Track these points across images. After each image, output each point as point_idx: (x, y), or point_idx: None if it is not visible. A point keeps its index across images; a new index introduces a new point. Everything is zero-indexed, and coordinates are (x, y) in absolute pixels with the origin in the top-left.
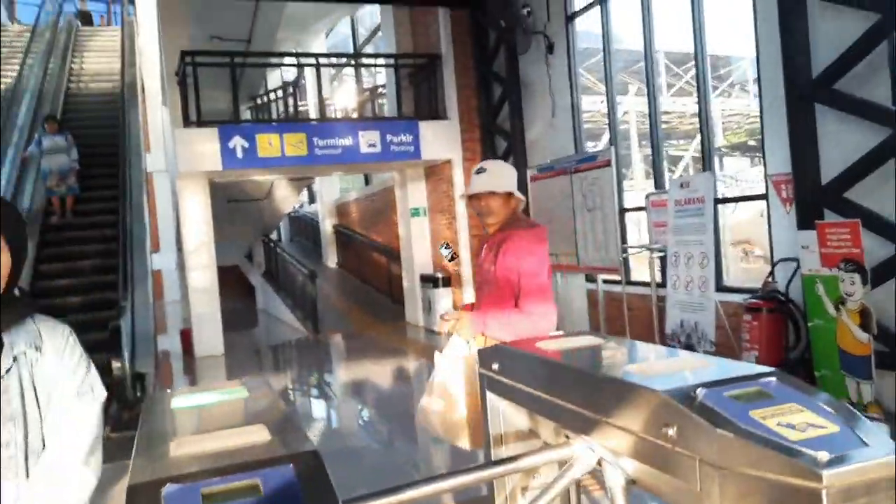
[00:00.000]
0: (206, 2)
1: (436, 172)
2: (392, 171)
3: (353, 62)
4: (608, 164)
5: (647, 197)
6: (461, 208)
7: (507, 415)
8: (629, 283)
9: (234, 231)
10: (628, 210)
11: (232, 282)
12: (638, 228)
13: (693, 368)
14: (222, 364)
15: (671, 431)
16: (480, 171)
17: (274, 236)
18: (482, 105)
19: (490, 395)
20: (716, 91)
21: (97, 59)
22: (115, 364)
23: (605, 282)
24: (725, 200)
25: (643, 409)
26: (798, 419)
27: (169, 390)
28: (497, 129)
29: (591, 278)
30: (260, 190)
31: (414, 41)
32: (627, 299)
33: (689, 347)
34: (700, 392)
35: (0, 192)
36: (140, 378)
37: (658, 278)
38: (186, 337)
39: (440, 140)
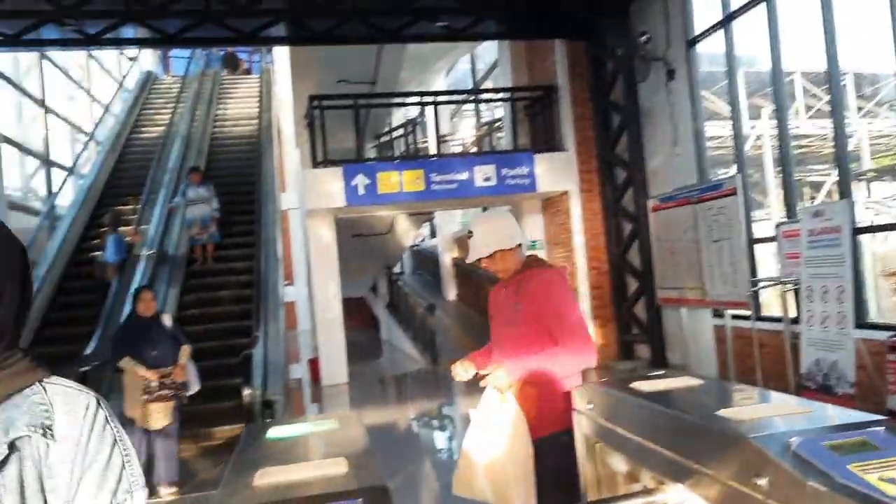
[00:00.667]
0: (334, 48)
1: (553, 205)
2: (508, 204)
3: (470, 98)
4: (734, 192)
5: (777, 226)
6: (579, 240)
7: (602, 456)
8: (760, 318)
9: (359, 264)
10: (759, 241)
11: (358, 314)
12: (775, 259)
13: (793, 415)
14: (346, 392)
15: (762, 482)
16: (479, 231)
17: (397, 269)
18: (599, 135)
19: (583, 436)
20: (861, 111)
21: (238, 106)
22: (246, 391)
23: (734, 317)
24: (866, 230)
25: (735, 457)
26: None
27: (268, 420)
28: (615, 160)
29: (718, 313)
30: (383, 224)
31: (530, 74)
32: (758, 336)
33: (826, 389)
34: (795, 441)
35: (151, 232)
36: (269, 405)
37: (793, 313)
38: (314, 366)
39: (556, 172)
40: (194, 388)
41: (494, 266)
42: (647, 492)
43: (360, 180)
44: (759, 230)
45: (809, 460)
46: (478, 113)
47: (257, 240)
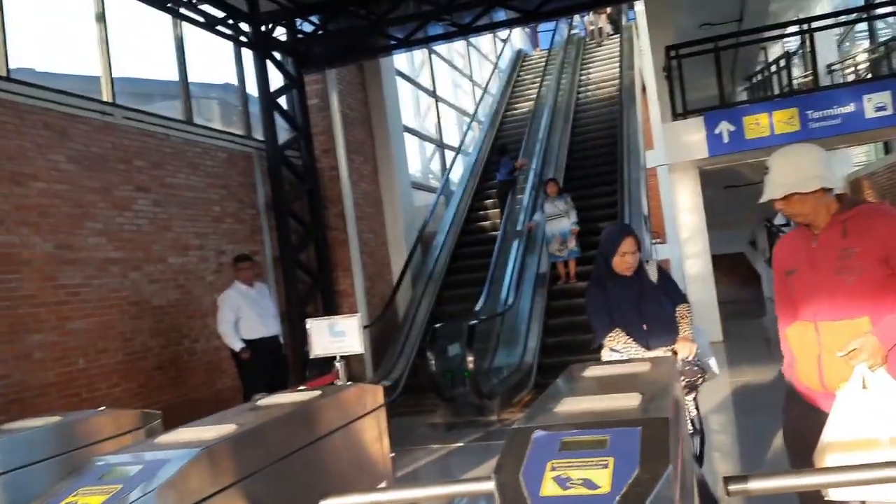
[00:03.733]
0: None
1: None
2: None
3: (861, 16)
4: None
5: None
6: None
7: None
8: None
9: (734, 218)
10: None
11: (736, 270)
12: None
13: None
14: (722, 350)
15: None
16: (776, 167)
17: (778, 220)
18: None
19: None
20: None
21: (600, 68)
22: None
23: None
24: None
25: None
26: None
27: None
28: None
29: None
30: (757, 173)
31: None
32: None
33: None
34: None
35: (514, 259)
36: None
37: None
38: None
39: None
40: (714, 366)
41: (790, 210)
42: None
43: (724, 127)
44: None
45: None
46: (872, 33)
47: (619, 199)
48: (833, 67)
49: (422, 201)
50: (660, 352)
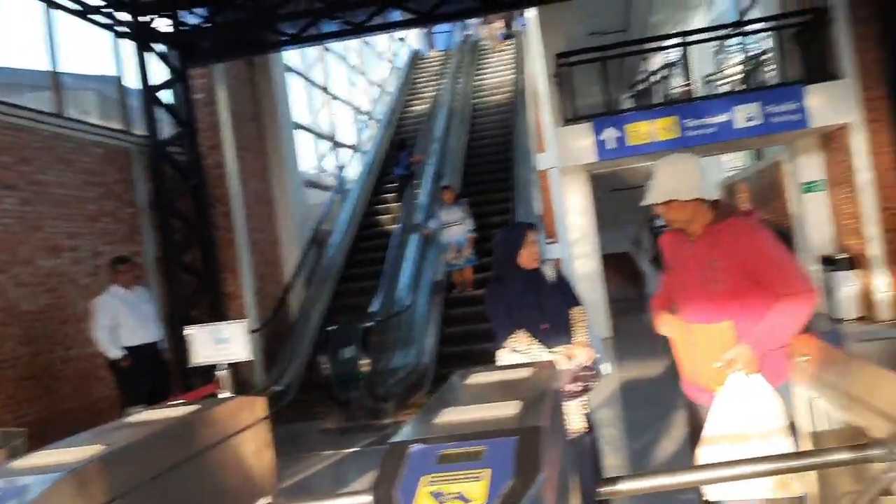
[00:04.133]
0: (582, 2)
1: (833, 140)
2: (775, 144)
3: (731, 32)
4: None
5: None
6: (864, 178)
7: (818, 410)
8: None
9: (620, 219)
10: None
11: (623, 268)
12: None
13: None
14: (610, 346)
15: None
16: (660, 174)
17: (661, 221)
18: (888, 56)
19: (799, 390)
20: None
21: (495, 73)
22: None
23: None
24: None
25: None
26: None
27: (474, 368)
28: None
29: None
30: (642, 177)
31: None
32: None
33: None
34: None
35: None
36: None
37: None
38: None
39: (832, 103)
40: (606, 368)
41: (668, 215)
42: (857, 447)
43: (609, 134)
44: None
45: None
46: (745, 48)
47: (512, 202)
48: (710, 78)
49: (316, 199)
50: (559, 350)
